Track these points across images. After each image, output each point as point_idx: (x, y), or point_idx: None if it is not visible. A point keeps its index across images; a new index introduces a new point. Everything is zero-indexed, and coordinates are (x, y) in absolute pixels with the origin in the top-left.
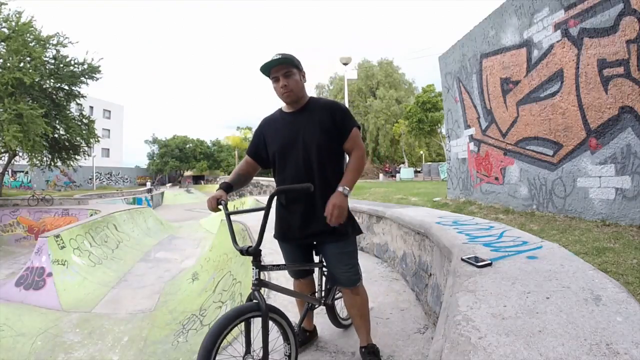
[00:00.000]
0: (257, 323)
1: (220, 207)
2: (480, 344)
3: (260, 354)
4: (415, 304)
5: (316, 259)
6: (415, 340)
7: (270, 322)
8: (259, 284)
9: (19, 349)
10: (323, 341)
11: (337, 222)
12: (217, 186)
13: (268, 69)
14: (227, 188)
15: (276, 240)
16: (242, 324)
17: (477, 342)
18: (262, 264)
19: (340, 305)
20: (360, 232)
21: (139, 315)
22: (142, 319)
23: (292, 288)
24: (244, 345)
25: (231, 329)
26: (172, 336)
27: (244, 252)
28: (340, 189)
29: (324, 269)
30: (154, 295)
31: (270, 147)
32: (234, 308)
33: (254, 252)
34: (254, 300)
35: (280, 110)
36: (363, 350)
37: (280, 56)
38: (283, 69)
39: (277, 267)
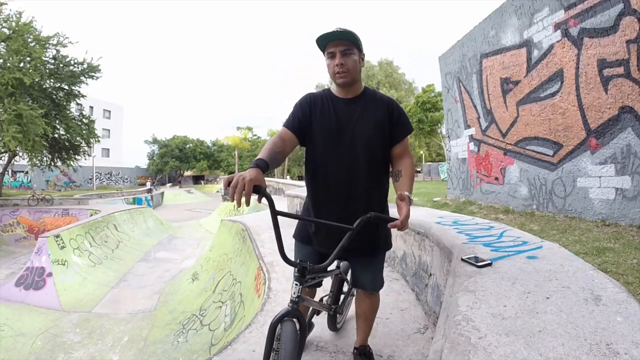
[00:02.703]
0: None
1: (256, 197)
2: (480, 344)
3: None
4: (415, 304)
5: (332, 265)
6: (415, 340)
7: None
8: (299, 301)
9: (19, 349)
10: (323, 341)
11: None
12: (218, 186)
13: (325, 42)
14: (265, 167)
15: (274, 240)
16: (267, 330)
17: (477, 342)
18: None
19: (342, 313)
20: (390, 246)
21: (139, 315)
22: (142, 319)
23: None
24: (263, 353)
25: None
26: (172, 336)
27: (308, 268)
28: (407, 193)
29: (340, 275)
30: (154, 295)
31: (313, 130)
32: (290, 331)
33: (307, 269)
34: (286, 317)
35: (329, 92)
36: (355, 351)
37: (341, 30)
38: (342, 45)
39: (313, 279)
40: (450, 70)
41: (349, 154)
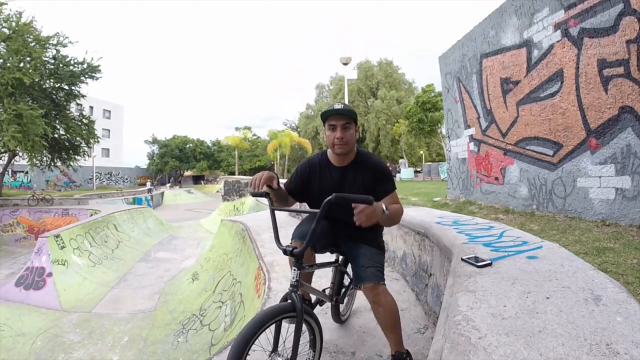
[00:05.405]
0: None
1: (266, 191)
2: (480, 344)
3: (286, 354)
4: (415, 304)
5: (332, 257)
6: (415, 340)
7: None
8: (297, 285)
9: (19, 349)
10: (323, 341)
11: (365, 223)
12: (218, 186)
13: (328, 115)
14: (277, 178)
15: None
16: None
17: (477, 342)
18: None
19: (344, 303)
20: (378, 244)
21: (139, 315)
22: (142, 319)
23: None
24: (271, 342)
25: (266, 328)
26: (172, 336)
27: (288, 252)
28: (381, 204)
29: (340, 268)
30: (154, 295)
31: (313, 193)
32: (270, 307)
33: (299, 254)
34: (289, 301)
35: (326, 157)
36: (391, 358)
37: (343, 106)
38: (343, 120)
39: (311, 266)
40: (450, 70)
41: (344, 213)
